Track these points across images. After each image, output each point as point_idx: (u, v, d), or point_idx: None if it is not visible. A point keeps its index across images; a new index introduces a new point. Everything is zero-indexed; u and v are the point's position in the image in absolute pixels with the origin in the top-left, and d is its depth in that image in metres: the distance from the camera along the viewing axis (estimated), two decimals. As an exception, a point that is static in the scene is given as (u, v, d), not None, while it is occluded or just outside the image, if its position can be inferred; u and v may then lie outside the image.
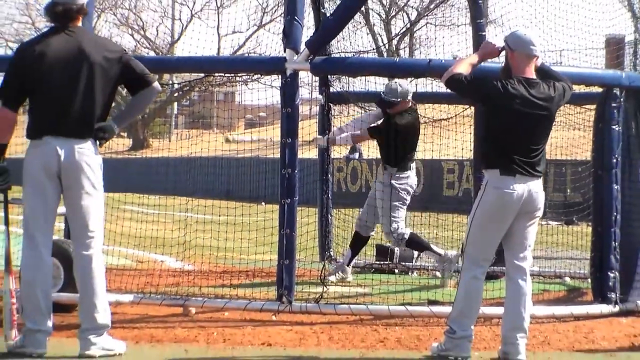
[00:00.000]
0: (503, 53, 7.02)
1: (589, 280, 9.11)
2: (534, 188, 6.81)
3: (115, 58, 6.65)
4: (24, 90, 6.55)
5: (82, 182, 6.52)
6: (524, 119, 6.74)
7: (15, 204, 6.89)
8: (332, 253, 11.37)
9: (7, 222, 6.83)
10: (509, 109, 6.72)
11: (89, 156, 6.54)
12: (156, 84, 6.82)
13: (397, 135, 10.06)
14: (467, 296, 6.87)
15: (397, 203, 10.05)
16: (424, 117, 11.94)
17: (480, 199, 6.85)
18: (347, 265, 10.49)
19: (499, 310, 7.14)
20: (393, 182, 10.06)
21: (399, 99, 10.10)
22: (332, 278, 10.23)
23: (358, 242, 10.51)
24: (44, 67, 6.48)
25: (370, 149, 23.91)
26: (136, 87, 6.78)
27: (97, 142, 6.61)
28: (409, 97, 10.16)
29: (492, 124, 6.83)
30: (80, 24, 6.72)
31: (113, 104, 6.80)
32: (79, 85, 6.50)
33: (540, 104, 6.80)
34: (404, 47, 42.19)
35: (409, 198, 10.19)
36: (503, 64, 7.01)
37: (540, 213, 6.91)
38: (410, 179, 10.19)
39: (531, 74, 6.87)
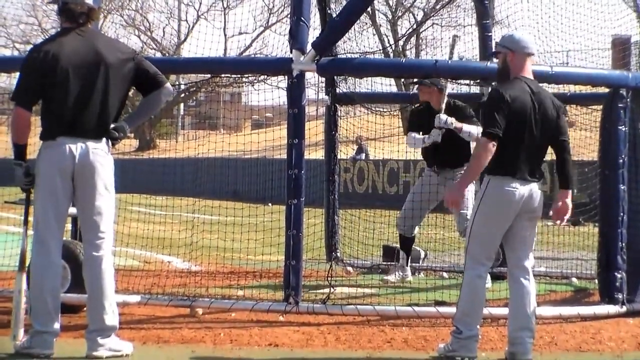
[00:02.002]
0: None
1: (596, 280, 9.11)
2: (534, 189, 6.87)
3: (128, 59, 6.69)
4: (38, 91, 6.54)
5: (96, 182, 6.54)
6: (532, 122, 6.78)
7: (19, 204, 6.90)
8: (338, 254, 11.38)
9: (26, 222, 6.84)
10: (521, 115, 6.75)
11: (103, 157, 6.57)
12: (168, 85, 6.84)
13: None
14: (472, 295, 6.87)
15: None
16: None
17: (482, 197, 6.88)
18: (406, 265, 10.45)
19: (506, 311, 7.14)
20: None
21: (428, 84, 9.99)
22: (392, 278, 10.27)
23: (406, 243, 10.45)
24: (59, 68, 6.48)
25: (377, 150, 23.86)
26: (148, 88, 6.81)
27: (110, 143, 6.64)
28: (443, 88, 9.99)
29: (504, 132, 6.79)
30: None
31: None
32: (95, 86, 6.53)
33: (548, 104, 6.86)
34: (411, 48, 42.14)
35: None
36: (500, 67, 7.01)
37: (539, 213, 6.96)
38: None
39: (530, 73, 6.92)
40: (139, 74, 6.73)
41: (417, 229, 10.46)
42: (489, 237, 6.88)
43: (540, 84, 7.16)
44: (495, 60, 7.21)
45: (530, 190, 6.82)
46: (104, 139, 6.60)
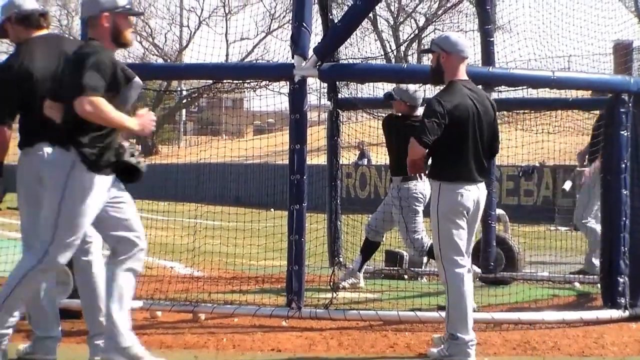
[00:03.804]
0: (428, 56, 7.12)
1: (599, 285, 9.10)
2: (482, 188, 6.95)
3: None
4: (15, 106, 6.49)
5: None
6: (476, 124, 6.85)
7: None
8: (341, 259, 11.38)
9: None
10: (464, 121, 6.80)
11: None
12: (137, 79, 6.77)
13: (397, 140, 9.47)
14: (460, 300, 6.84)
15: (409, 214, 9.75)
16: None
17: (437, 204, 6.90)
18: (359, 271, 10.41)
19: (510, 316, 7.17)
20: (401, 193, 9.77)
21: (397, 98, 9.81)
22: (345, 284, 10.22)
23: (368, 247, 10.41)
24: (32, 79, 6.42)
25: (379, 155, 23.89)
26: None
27: None
28: (412, 103, 9.74)
29: (446, 137, 6.78)
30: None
31: None
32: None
33: (486, 104, 6.96)
34: (412, 53, 42.22)
35: (421, 206, 9.77)
36: (433, 67, 7.02)
37: (481, 212, 7.05)
38: (418, 187, 9.76)
39: (465, 75, 6.97)
40: None
41: (382, 237, 10.40)
42: (457, 237, 6.86)
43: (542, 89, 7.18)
44: (428, 58, 7.20)
45: (478, 190, 6.90)
46: None
